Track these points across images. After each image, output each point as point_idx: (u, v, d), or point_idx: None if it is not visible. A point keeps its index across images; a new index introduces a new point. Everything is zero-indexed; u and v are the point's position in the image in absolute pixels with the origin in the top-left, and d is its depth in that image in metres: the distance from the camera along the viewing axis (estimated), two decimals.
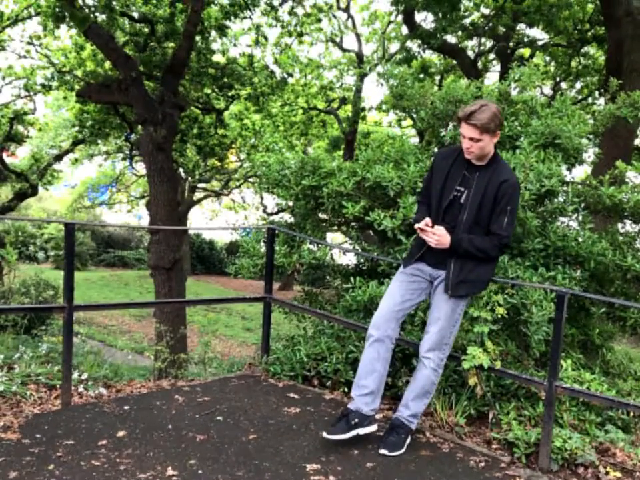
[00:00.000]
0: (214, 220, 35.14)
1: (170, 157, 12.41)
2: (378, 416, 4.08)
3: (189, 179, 25.73)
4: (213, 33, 14.52)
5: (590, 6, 14.56)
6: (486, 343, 3.98)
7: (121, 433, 3.65)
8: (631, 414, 4.42)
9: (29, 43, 15.52)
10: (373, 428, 3.73)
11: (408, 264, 3.84)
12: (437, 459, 3.65)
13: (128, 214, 32.99)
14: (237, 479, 3.21)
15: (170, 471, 3.21)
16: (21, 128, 17.84)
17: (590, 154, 5.70)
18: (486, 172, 3.63)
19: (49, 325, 10.04)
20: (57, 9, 11.65)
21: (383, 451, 3.64)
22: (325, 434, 3.61)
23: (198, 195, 30.37)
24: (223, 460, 3.40)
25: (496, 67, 18.07)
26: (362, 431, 3.66)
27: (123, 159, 25.05)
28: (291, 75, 18.23)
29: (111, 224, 35.96)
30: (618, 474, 3.60)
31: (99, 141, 20.19)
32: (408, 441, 3.73)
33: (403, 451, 3.66)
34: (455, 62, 16.18)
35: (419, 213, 3.85)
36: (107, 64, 14.05)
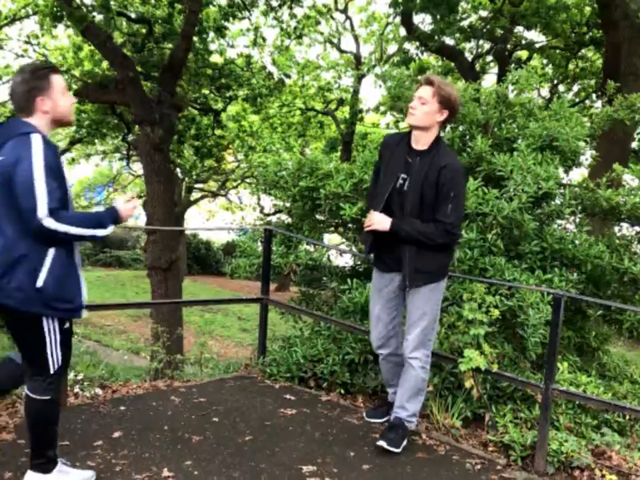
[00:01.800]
0: (211, 220, 35.11)
1: (167, 157, 12.39)
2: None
3: (186, 179, 25.71)
4: (211, 34, 14.51)
5: (587, 9, 14.62)
6: (483, 346, 3.98)
7: (116, 434, 3.64)
8: (627, 417, 4.43)
9: (26, 42, 15.48)
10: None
11: (373, 259, 3.87)
12: (432, 461, 3.65)
13: None
14: None
15: (165, 472, 3.21)
16: None
17: (587, 156, 5.71)
18: (426, 157, 3.54)
19: None
20: (54, 8, 11.64)
21: (381, 442, 3.62)
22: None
23: (195, 195, 30.37)
24: (218, 461, 3.40)
25: (494, 69, 18.12)
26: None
27: (120, 159, 25.02)
28: (288, 76, 18.24)
29: None
30: (614, 477, 3.60)
31: (96, 141, 20.16)
32: (404, 442, 3.73)
33: (399, 450, 3.65)
34: (452, 64, 16.18)
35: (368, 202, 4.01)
36: (105, 64, 14.03)
